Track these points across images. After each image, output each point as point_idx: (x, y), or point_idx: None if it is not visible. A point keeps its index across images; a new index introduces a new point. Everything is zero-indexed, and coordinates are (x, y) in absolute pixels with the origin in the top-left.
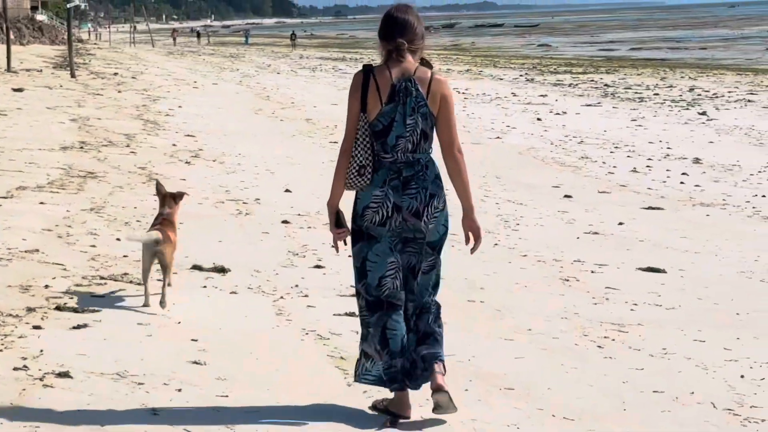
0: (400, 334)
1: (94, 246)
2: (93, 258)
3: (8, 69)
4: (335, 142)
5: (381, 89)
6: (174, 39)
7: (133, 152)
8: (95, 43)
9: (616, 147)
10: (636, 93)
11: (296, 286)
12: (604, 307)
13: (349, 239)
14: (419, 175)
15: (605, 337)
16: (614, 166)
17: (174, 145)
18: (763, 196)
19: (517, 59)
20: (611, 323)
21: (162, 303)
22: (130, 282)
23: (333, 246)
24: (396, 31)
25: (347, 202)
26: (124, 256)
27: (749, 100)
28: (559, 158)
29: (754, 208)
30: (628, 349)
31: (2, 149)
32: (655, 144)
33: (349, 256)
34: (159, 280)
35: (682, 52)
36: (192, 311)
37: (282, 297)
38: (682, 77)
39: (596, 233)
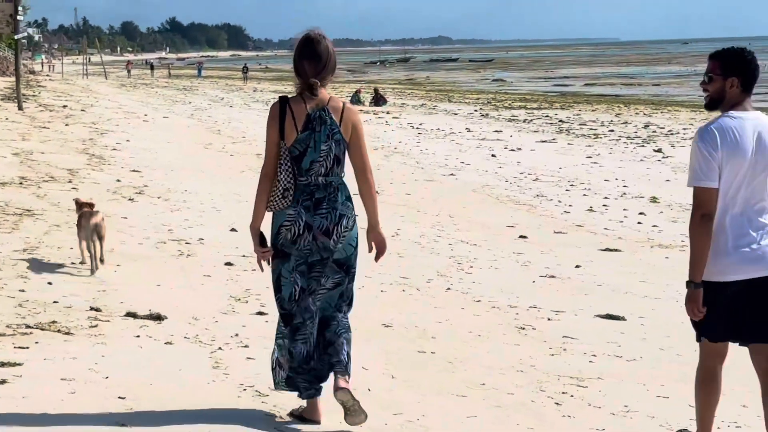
0: (307, 347)
1: (23, 291)
2: (20, 304)
3: None
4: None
5: (297, 118)
6: (128, 71)
7: (74, 188)
8: (47, 75)
9: (572, 185)
10: (591, 129)
11: (236, 335)
12: (561, 358)
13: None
14: (330, 197)
15: (563, 393)
16: (570, 205)
17: (118, 180)
18: None
19: (472, 94)
20: (569, 377)
21: (101, 262)
22: (58, 331)
23: (258, 265)
24: (311, 71)
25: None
26: (54, 302)
27: None
28: (514, 196)
29: None
30: (588, 406)
31: None
32: (611, 182)
33: None
34: None
35: (636, 89)
36: (122, 364)
37: (220, 348)
38: (636, 113)
39: (552, 276)
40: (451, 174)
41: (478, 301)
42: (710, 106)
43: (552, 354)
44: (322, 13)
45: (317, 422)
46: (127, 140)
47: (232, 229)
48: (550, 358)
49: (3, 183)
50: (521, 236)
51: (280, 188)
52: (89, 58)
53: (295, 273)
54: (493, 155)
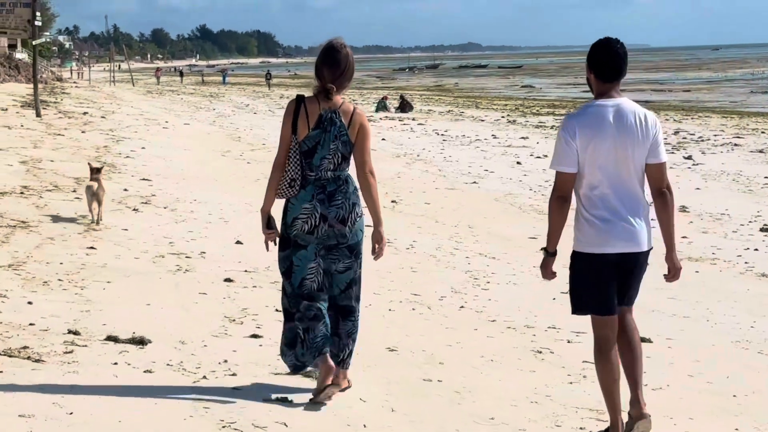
0: (325, 314)
1: None
2: None
3: None
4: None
5: (309, 116)
6: (157, 78)
7: (78, 198)
8: (75, 82)
9: None
10: None
11: (225, 361)
12: (580, 387)
13: (278, 240)
14: (341, 188)
15: (581, 429)
16: None
17: (125, 190)
18: (755, 249)
19: (500, 100)
20: (589, 409)
21: (99, 221)
22: (27, 358)
23: (265, 244)
24: (328, 76)
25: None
26: (30, 324)
27: (736, 144)
28: (537, 205)
29: (746, 263)
30: None
31: None
32: None
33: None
34: None
35: (667, 95)
36: (91, 397)
37: (205, 376)
38: (666, 119)
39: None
40: (474, 182)
41: (493, 320)
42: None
43: (570, 382)
44: (351, 20)
45: (330, 385)
46: (143, 147)
47: (238, 242)
48: (568, 387)
49: (2, 193)
50: (543, 248)
51: (288, 178)
52: (119, 65)
53: (318, 257)
54: (518, 162)
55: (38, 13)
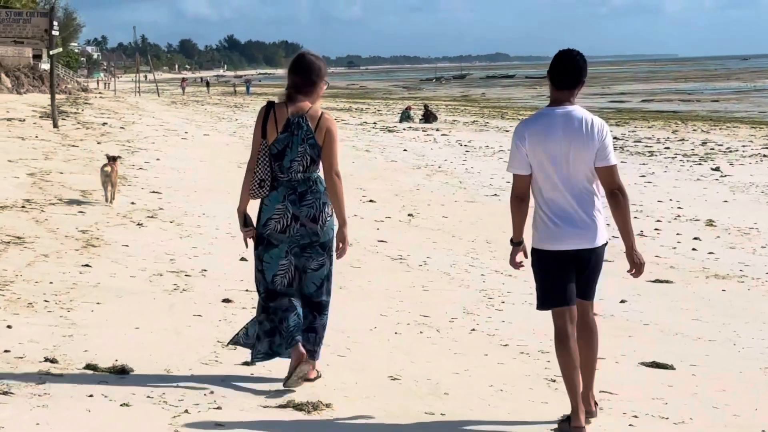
0: (294, 314)
1: None
2: None
3: None
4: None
5: (278, 121)
6: (183, 88)
7: (81, 212)
8: (100, 93)
9: None
10: (646, 146)
11: (211, 393)
12: (596, 421)
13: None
14: (312, 189)
15: None
16: None
17: (133, 203)
18: None
19: (527, 110)
20: None
21: (112, 200)
22: None
23: (244, 241)
24: (296, 82)
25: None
26: (5, 351)
27: (765, 155)
28: None
29: None
30: None
31: None
32: (665, 203)
33: None
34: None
35: (694, 105)
36: None
37: (187, 410)
38: (694, 130)
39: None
40: (495, 194)
41: (506, 345)
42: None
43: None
44: (379, 31)
45: (306, 362)
46: (157, 159)
47: (242, 259)
48: None
49: (3, 206)
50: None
51: (257, 179)
52: (144, 76)
53: (290, 255)
54: None
55: (56, 23)
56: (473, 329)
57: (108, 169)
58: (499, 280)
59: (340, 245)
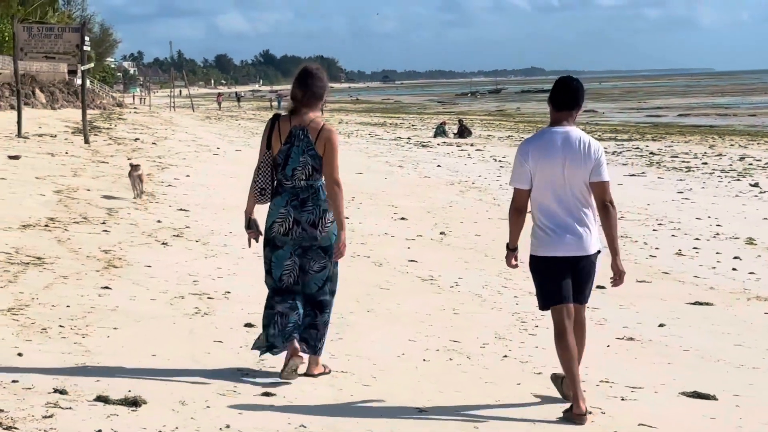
0: (296, 311)
1: None
2: None
3: (18, 134)
4: (346, 217)
5: (282, 133)
6: (219, 103)
7: (106, 231)
8: (135, 108)
9: (660, 224)
10: (683, 162)
11: (227, 427)
12: None
13: (261, 239)
14: (313, 196)
15: None
16: (656, 248)
17: (159, 221)
18: None
19: None
20: None
21: (140, 195)
22: None
23: (248, 242)
24: (300, 96)
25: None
26: (14, 382)
27: None
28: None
29: None
30: None
31: None
32: (703, 220)
33: None
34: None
35: (732, 119)
36: None
37: None
38: (731, 145)
39: (631, 339)
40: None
41: (539, 373)
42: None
43: None
44: (415, 45)
45: (295, 368)
46: (187, 175)
47: None
48: None
49: (26, 225)
50: (598, 286)
51: (258, 188)
52: (179, 91)
53: (294, 256)
54: None
55: (87, 38)
56: (505, 356)
57: (138, 172)
58: (533, 302)
59: (337, 248)
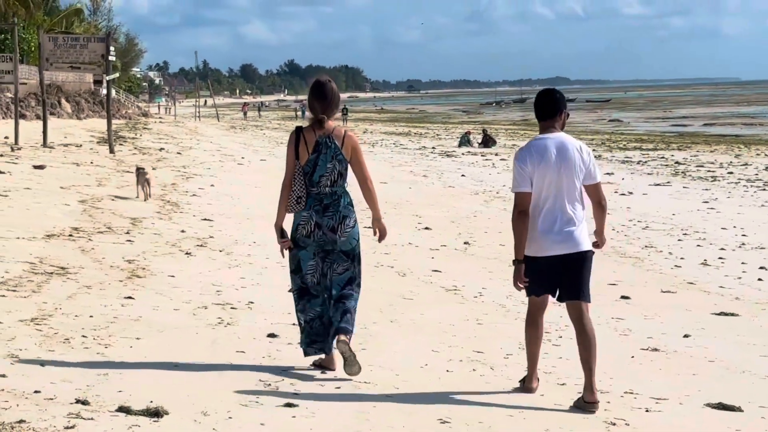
0: (317, 313)
1: (3, 376)
2: None
3: (44, 144)
4: (370, 227)
5: (308, 143)
6: (244, 113)
7: (130, 241)
8: (160, 117)
9: (685, 233)
10: (708, 171)
11: None
12: None
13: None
14: (335, 203)
15: None
16: (681, 258)
17: (183, 231)
18: None
19: (587, 134)
20: None
21: (148, 197)
22: None
23: (280, 252)
24: (319, 108)
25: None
26: (36, 392)
27: None
28: (620, 247)
29: None
30: None
31: None
32: (729, 230)
33: None
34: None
35: (757, 129)
36: None
37: None
38: (757, 154)
39: (656, 350)
40: None
41: (563, 384)
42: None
43: None
44: (439, 54)
45: (332, 369)
46: (211, 185)
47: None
48: None
49: (51, 235)
50: (623, 296)
51: (295, 196)
52: (204, 101)
53: (317, 258)
54: None
55: (112, 49)
56: None
57: (146, 176)
58: (557, 313)
59: (376, 231)
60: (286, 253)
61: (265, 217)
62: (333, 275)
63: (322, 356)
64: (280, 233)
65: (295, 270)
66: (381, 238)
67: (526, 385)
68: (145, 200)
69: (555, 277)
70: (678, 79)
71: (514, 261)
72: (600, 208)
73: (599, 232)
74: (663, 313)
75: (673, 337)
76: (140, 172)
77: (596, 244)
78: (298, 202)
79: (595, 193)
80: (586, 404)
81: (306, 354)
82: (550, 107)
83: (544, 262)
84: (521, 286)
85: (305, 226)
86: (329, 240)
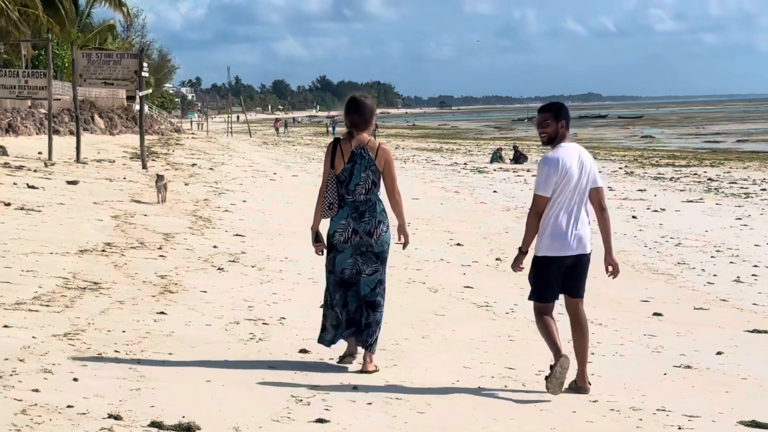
0: (355, 301)
1: (36, 390)
2: (24, 410)
3: (77, 160)
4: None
5: (344, 154)
6: (277, 129)
7: (162, 256)
8: (193, 133)
9: (718, 250)
10: (742, 188)
11: None
12: None
13: (325, 251)
14: (370, 209)
15: None
16: (714, 275)
17: (215, 246)
18: None
19: (619, 151)
20: None
21: (164, 201)
22: None
23: (316, 253)
24: (352, 121)
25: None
26: (68, 407)
27: None
28: (652, 264)
29: None
30: None
31: (5, 253)
32: (762, 247)
33: None
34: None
35: None
36: None
37: None
38: None
39: (689, 367)
40: None
41: (595, 401)
42: (548, 142)
43: None
44: (471, 71)
45: (353, 354)
46: (244, 201)
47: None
48: None
49: (84, 250)
50: (655, 313)
51: (327, 202)
52: (237, 117)
53: (354, 257)
54: (633, 217)
55: (145, 65)
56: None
57: (163, 181)
58: (590, 330)
59: (400, 236)
60: (320, 253)
61: (297, 234)
62: (363, 275)
63: (347, 355)
64: (315, 237)
65: (332, 270)
66: (405, 245)
67: (557, 360)
68: (159, 203)
69: (563, 276)
70: (711, 95)
71: (518, 249)
72: (603, 214)
73: (608, 250)
74: (696, 330)
75: (705, 354)
76: (159, 178)
77: (611, 272)
78: (330, 208)
79: (598, 197)
80: (578, 387)
81: (319, 341)
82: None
83: (556, 263)
84: (519, 268)
85: (343, 233)
86: (365, 243)
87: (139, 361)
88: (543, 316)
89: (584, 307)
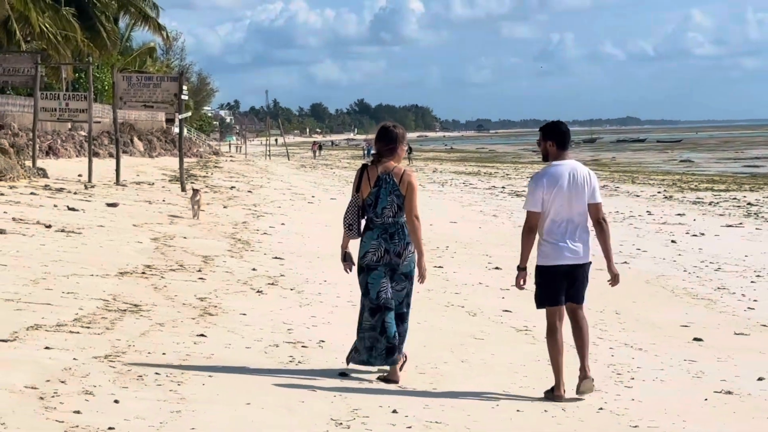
0: (393, 325)
1: (78, 412)
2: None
3: (117, 182)
4: (440, 267)
5: (371, 178)
6: (314, 152)
7: (201, 278)
8: (231, 156)
9: (758, 276)
10: None
11: None
12: None
13: (354, 268)
14: (399, 231)
15: None
16: (755, 300)
17: (254, 269)
18: None
19: (657, 175)
20: None
21: (197, 216)
22: None
23: (345, 270)
24: (379, 148)
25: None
26: (110, 429)
27: None
28: (691, 289)
29: None
30: None
31: (46, 275)
32: None
33: None
34: None
35: None
36: None
37: None
38: None
39: (729, 393)
40: (624, 262)
41: (635, 426)
42: (544, 159)
43: None
44: (509, 94)
45: (396, 381)
46: (282, 224)
47: None
48: None
49: (124, 272)
50: (695, 338)
51: (346, 224)
52: (275, 140)
53: (386, 277)
54: (672, 241)
55: (185, 88)
56: (601, 408)
57: (197, 196)
58: (629, 354)
59: (418, 271)
60: (348, 272)
61: (335, 256)
62: (394, 291)
63: (386, 369)
64: (344, 256)
65: (366, 291)
66: (422, 278)
67: (555, 394)
68: (194, 217)
69: (566, 283)
70: (750, 120)
71: (518, 267)
72: (600, 227)
73: (609, 261)
74: (736, 355)
75: (746, 379)
76: (194, 192)
77: (611, 281)
78: (350, 229)
79: (595, 212)
80: (582, 381)
81: (349, 359)
82: (569, 139)
83: (557, 271)
84: (521, 287)
85: (375, 253)
86: (394, 263)
87: (179, 383)
88: (554, 334)
89: (623, 332)
